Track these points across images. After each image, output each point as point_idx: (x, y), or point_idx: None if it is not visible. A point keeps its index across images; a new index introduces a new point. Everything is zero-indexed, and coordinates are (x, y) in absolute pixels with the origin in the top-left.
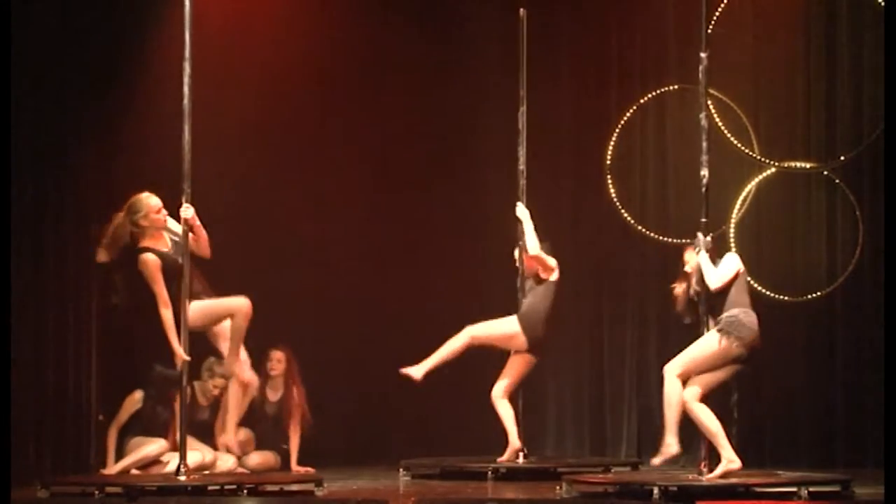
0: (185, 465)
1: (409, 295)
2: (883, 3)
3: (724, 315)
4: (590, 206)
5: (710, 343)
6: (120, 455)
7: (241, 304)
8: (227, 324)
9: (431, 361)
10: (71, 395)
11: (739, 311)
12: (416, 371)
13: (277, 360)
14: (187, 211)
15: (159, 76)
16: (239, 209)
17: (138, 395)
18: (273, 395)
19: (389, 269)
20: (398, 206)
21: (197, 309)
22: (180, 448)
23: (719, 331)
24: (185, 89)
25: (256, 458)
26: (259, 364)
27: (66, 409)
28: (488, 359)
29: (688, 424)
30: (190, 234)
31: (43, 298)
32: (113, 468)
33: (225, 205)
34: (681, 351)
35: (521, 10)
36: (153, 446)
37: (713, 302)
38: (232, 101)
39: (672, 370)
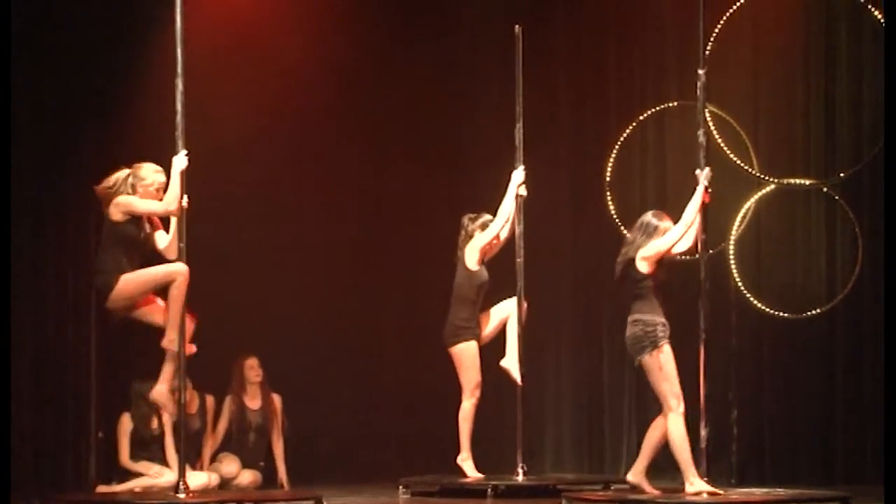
0: (185, 483)
1: (408, 311)
2: (883, 20)
3: (641, 328)
4: (589, 223)
5: (665, 362)
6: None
7: (178, 268)
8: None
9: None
10: (70, 411)
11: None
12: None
13: (257, 366)
14: (182, 159)
15: (158, 80)
16: (234, 215)
17: (126, 418)
18: (253, 404)
19: (388, 287)
20: (395, 224)
21: (131, 278)
22: (179, 465)
23: (655, 348)
24: (178, 105)
25: (248, 477)
26: (232, 373)
27: (65, 425)
28: (486, 375)
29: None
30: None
31: (43, 313)
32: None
33: (219, 209)
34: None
35: (517, 26)
36: (160, 479)
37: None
38: (224, 106)
39: (675, 409)
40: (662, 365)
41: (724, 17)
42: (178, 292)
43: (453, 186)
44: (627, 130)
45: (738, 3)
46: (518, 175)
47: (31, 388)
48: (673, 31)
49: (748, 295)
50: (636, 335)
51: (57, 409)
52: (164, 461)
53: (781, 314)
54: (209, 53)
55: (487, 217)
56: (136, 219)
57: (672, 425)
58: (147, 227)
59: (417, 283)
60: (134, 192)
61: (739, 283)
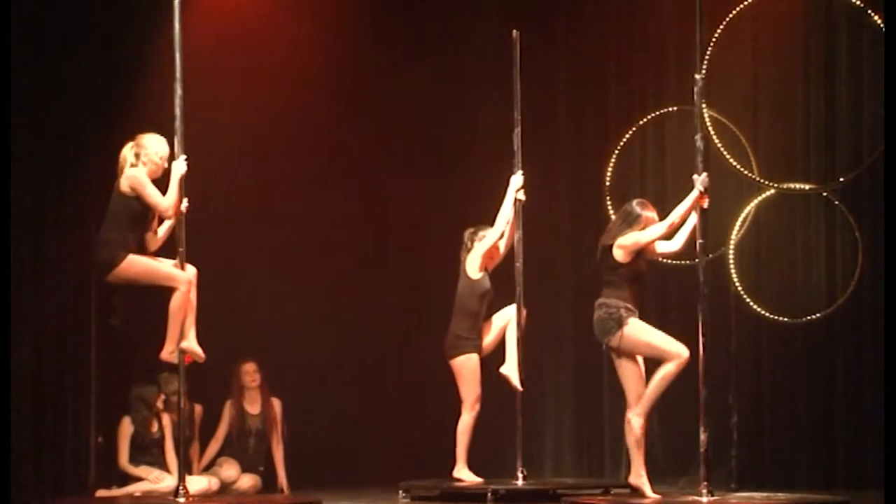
0: (185, 488)
1: (408, 316)
2: (882, 25)
3: (605, 311)
4: (589, 228)
5: (637, 333)
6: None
7: (183, 277)
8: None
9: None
10: (70, 415)
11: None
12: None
13: (253, 372)
14: (181, 165)
15: (158, 80)
16: (233, 220)
17: (126, 420)
18: (253, 409)
19: (388, 292)
20: (395, 229)
21: (137, 262)
22: (178, 469)
23: (620, 327)
24: (177, 111)
25: (248, 482)
26: (232, 379)
27: (65, 429)
28: (486, 380)
29: (685, 444)
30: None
31: (43, 317)
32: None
33: (218, 214)
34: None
35: (514, 31)
36: (160, 483)
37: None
38: (224, 111)
39: (682, 357)
40: (636, 338)
41: (724, 22)
42: (179, 303)
43: (452, 191)
44: (627, 135)
45: (737, 8)
46: (516, 180)
47: (31, 392)
48: (673, 36)
49: (748, 299)
50: (600, 318)
51: (57, 413)
52: (163, 466)
53: (781, 319)
54: (209, 58)
55: (488, 231)
56: (141, 196)
57: (668, 368)
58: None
59: (418, 288)
60: (138, 161)
61: (739, 288)
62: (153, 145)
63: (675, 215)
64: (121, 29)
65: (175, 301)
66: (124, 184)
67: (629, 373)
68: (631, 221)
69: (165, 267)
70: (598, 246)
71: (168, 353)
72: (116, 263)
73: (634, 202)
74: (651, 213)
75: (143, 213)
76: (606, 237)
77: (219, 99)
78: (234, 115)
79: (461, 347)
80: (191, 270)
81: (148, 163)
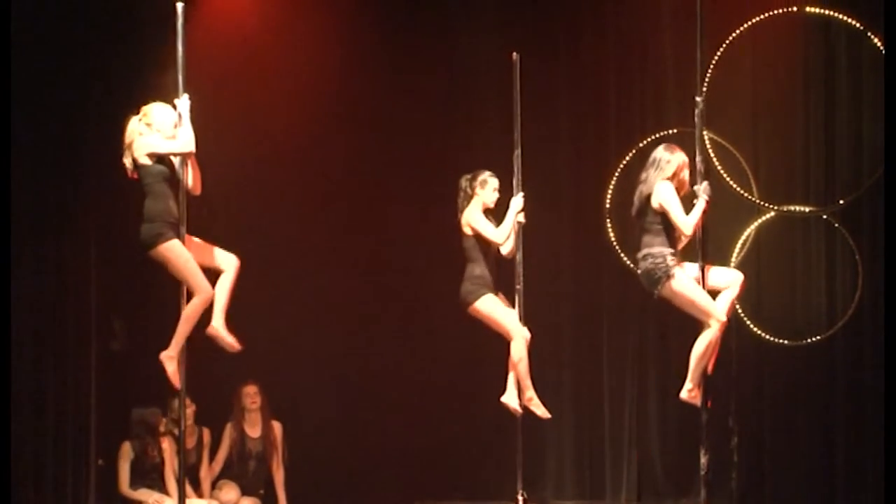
0: None
1: (411, 337)
2: (882, 47)
3: (651, 262)
4: (589, 250)
5: (682, 286)
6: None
7: (204, 292)
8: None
9: None
10: (70, 438)
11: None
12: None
13: (254, 394)
14: (185, 102)
15: (160, 86)
16: (235, 240)
17: (126, 446)
18: (253, 432)
19: (391, 312)
20: (396, 250)
21: (178, 252)
22: (179, 494)
23: (668, 278)
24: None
25: None
26: (233, 401)
27: (65, 452)
28: (486, 402)
29: (685, 467)
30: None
31: (43, 340)
32: None
33: (219, 232)
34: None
35: (514, 53)
36: None
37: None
38: (223, 131)
39: (718, 318)
40: (681, 291)
41: (724, 44)
42: (192, 312)
43: (452, 212)
44: (627, 157)
45: (737, 31)
46: (517, 202)
47: (32, 416)
48: (673, 58)
49: (748, 321)
50: (647, 269)
51: (57, 437)
52: (163, 489)
53: (781, 341)
54: (212, 71)
55: (486, 174)
56: (162, 158)
57: (711, 335)
58: (177, 164)
59: (420, 309)
60: (149, 129)
61: (739, 310)
62: (161, 115)
63: (691, 224)
64: (124, 35)
65: (189, 308)
66: (140, 157)
67: (692, 296)
68: (662, 167)
69: (199, 272)
70: (636, 198)
71: (167, 357)
72: (158, 243)
73: (661, 147)
74: (680, 155)
75: (170, 175)
76: (643, 188)
77: (219, 113)
78: (232, 134)
79: (474, 293)
80: (210, 291)
81: (162, 132)
